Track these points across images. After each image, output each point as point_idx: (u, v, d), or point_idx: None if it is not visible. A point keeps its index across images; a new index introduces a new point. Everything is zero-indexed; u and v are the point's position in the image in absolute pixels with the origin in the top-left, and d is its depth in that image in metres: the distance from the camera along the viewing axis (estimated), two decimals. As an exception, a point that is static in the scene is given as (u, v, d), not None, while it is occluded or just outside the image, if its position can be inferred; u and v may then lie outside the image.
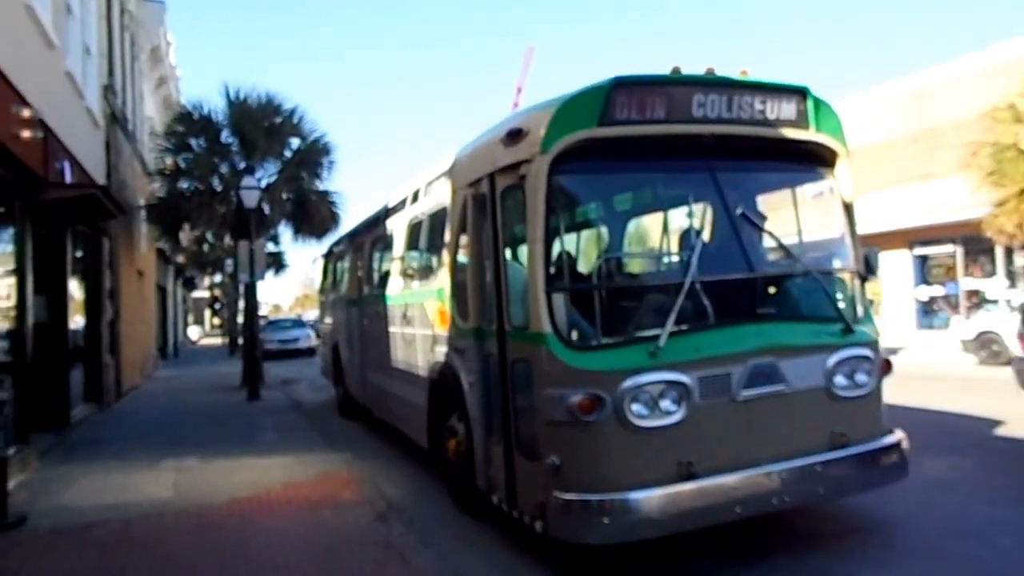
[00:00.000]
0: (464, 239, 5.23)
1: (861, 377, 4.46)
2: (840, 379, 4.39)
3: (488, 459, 4.85)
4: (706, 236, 4.40)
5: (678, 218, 4.96)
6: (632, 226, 6.13)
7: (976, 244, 17.32)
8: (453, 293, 5.42)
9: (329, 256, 12.50)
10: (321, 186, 16.09)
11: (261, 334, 17.80)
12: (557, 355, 3.97)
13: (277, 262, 31.42)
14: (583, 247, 6.02)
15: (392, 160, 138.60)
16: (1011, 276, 17.55)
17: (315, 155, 15.75)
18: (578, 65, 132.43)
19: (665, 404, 3.91)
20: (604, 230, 5.90)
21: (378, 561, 4.37)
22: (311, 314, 34.47)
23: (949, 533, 4.62)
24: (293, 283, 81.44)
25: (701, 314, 4.16)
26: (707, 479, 3.89)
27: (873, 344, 4.60)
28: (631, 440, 3.86)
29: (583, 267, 5.69)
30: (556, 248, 4.43)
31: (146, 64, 19.78)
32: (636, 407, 3.86)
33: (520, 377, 4.34)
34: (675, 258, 4.94)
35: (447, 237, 5.61)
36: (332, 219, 16.25)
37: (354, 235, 10.02)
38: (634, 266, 5.82)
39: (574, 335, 4.08)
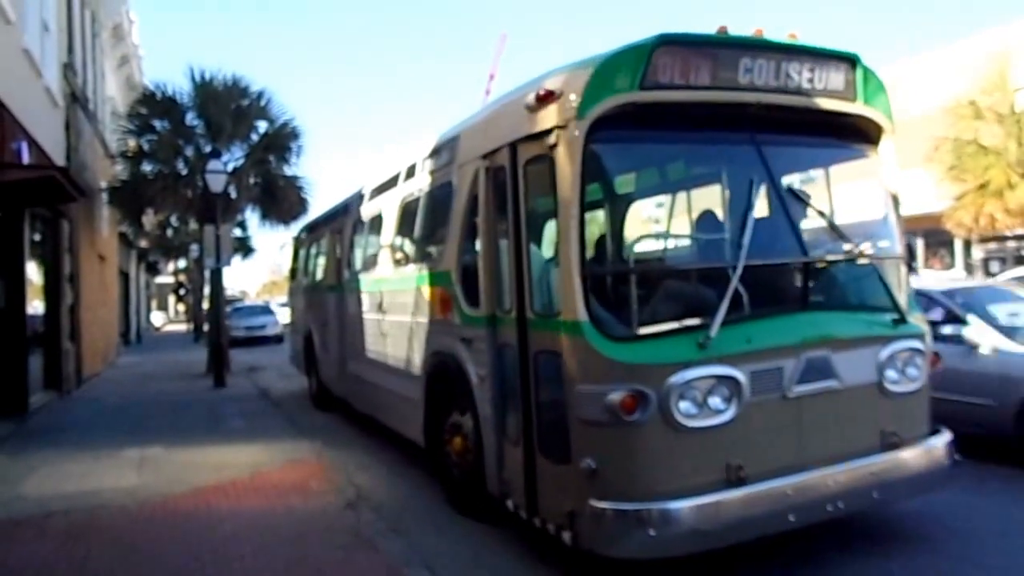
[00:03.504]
0: (474, 217, 4.74)
1: (913, 371, 4.13)
2: (892, 373, 4.05)
3: (501, 461, 4.40)
4: (755, 216, 3.90)
5: (723, 196, 4.41)
6: (673, 203, 5.40)
7: (936, 237, 17.81)
8: (460, 277, 4.92)
9: (300, 240, 11.94)
10: (289, 171, 15.89)
11: (227, 320, 17.49)
12: (595, 346, 3.53)
13: (244, 247, 31.08)
14: (621, 226, 5.40)
15: (358, 148, 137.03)
16: (969, 268, 18.06)
17: (283, 139, 15.51)
18: (549, 53, 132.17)
19: (714, 401, 3.54)
20: (643, 207, 5.40)
21: (346, 548, 4.35)
22: (279, 300, 33.96)
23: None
24: (260, 269, 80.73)
25: (751, 302, 3.74)
26: (759, 485, 3.54)
27: (923, 336, 4.27)
28: (677, 442, 3.50)
29: (622, 248, 4.96)
30: (591, 226, 4.00)
31: (108, 42, 19.21)
32: (684, 405, 3.48)
33: (546, 371, 3.90)
34: (723, 239, 4.23)
35: (453, 215, 5.04)
36: (300, 204, 16.07)
37: (331, 217, 9.29)
38: (678, 248, 5.04)
39: (613, 324, 3.63)
